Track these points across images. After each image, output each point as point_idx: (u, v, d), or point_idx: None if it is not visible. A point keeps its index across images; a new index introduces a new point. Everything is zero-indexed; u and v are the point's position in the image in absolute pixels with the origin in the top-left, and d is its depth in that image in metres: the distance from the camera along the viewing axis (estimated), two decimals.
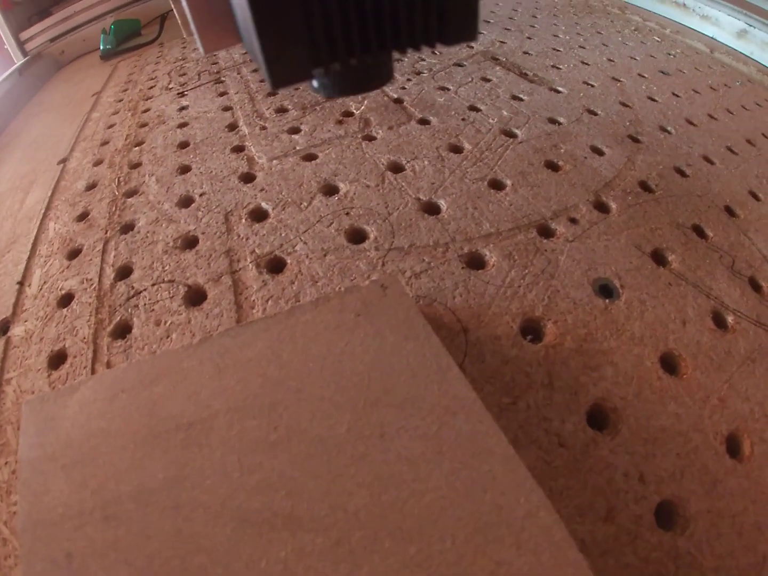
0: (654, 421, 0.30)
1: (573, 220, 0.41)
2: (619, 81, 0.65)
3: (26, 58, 0.99)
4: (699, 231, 0.44)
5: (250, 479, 0.24)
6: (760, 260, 0.43)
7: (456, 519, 0.22)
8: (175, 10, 0.60)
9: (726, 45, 0.84)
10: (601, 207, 0.43)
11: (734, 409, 0.32)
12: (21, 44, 0.99)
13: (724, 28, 0.85)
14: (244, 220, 0.43)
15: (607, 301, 0.35)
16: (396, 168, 0.47)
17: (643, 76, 0.68)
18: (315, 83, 0.19)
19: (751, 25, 0.82)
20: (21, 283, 0.47)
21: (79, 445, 0.27)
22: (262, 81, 0.68)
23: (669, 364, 0.34)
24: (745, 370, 0.35)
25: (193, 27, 0.24)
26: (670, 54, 0.76)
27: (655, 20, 0.89)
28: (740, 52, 0.82)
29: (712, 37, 0.86)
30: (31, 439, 0.27)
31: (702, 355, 0.34)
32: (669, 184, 0.47)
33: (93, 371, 0.36)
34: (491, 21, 0.81)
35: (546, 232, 0.40)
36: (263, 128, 0.55)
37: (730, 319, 0.37)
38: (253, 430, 0.25)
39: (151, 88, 0.74)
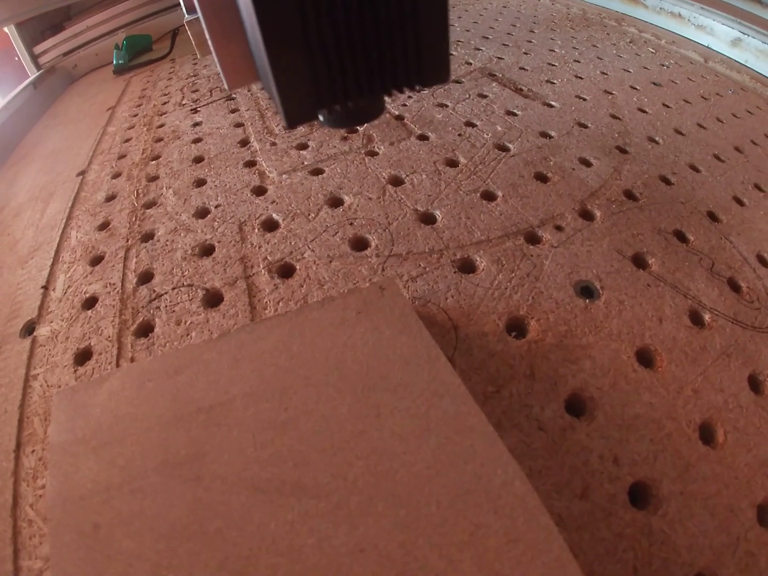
0: (629, 409, 0.34)
1: (558, 228, 0.45)
2: (611, 94, 0.70)
3: (40, 72, 1.06)
4: (680, 236, 0.48)
5: (262, 453, 0.28)
6: (740, 262, 0.47)
7: (441, 487, 0.26)
8: (189, 32, 0.66)
9: (721, 53, 0.89)
10: (586, 215, 0.48)
11: (708, 400, 0.36)
12: (35, 58, 1.06)
13: (719, 37, 0.90)
14: (256, 230, 0.48)
15: (587, 301, 0.40)
16: (396, 181, 0.52)
17: (635, 88, 0.72)
18: (321, 118, 0.24)
19: (745, 34, 0.86)
20: (45, 287, 0.52)
21: (108, 429, 0.30)
22: (270, 98, 0.73)
23: (645, 358, 0.38)
24: (720, 364, 0.38)
25: (219, 68, 0.29)
26: (663, 65, 0.81)
27: (651, 31, 0.93)
28: (735, 61, 0.87)
29: (707, 46, 0.91)
30: (62, 425, 0.31)
31: (677, 350, 0.38)
32: (653, 193, 0.52)
33: (118, 366, 0.40)
34: (490, 37, 0.87)
35: (533, 239, 0.45)
36: (273, 144, 0.60)
37: (707, 317, 0.41)
38: (266, 412, 0.29)
39: (165, 103, 0.80)
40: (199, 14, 0.28)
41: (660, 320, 0.40)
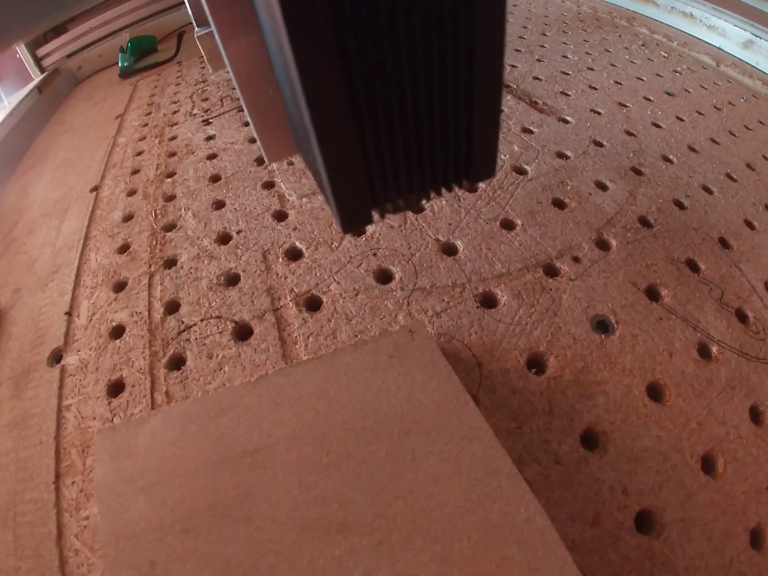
0: (638, 442, 0.38)
1: (576, 259, 0.49)
2: (626, 106, 0.72)
3: (45, 75, 1.07)
4: (692, 265, 0.51)
5: (308, 495, 0.32)
6: (748, 291, 0.51)
7: (471, 523, 0.30)
8: (200, 47, 0.68)
9: (732, 56, 0.91)
10: (602, 245, 0.51)
11: (711, 432, 0.40)
12: (38, 60, 1.07)
13: (731, 38, 0.92)
14: (281, 259, 0.51)
15: (602, 336, 0.43)
16: (416, 208, 0.55)
17: (649, 99, 0.75)
18: None
19: (757, 36, 0.88)
20: (69, 314, 0.54)
21: (155, 469, 0.33)
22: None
23: (655, 392, 0.41)
24: (724, 397, 0.42)
25: (258, 142, 0.32)
26: (676, 71, 0.83)
27: (663, 32, 0.95)
28: (746, 63, 0.89)
29: (719, 48, 0.93)
30: (106, 465, 0.34)
31: (685, 384, 0.42)
32: (667, 218, 0.55)
33: (152, 400, 0.43)
34: None
35: (551, 271, 0.48)
36: (291, 163, 0.63)
37: (714, 349, 0.45)
38: (309, 455, 0.33)
39: (175, 113, 0.82)
40: (240, 98, 0.30)
41: (670, 354, 0.43)
